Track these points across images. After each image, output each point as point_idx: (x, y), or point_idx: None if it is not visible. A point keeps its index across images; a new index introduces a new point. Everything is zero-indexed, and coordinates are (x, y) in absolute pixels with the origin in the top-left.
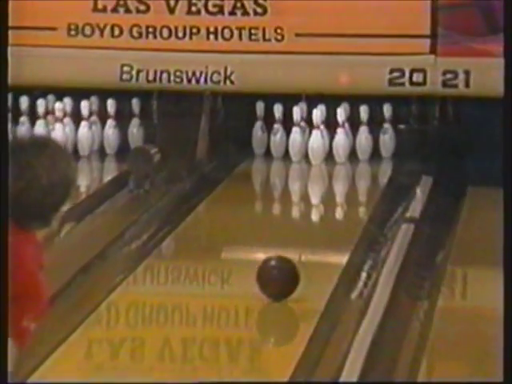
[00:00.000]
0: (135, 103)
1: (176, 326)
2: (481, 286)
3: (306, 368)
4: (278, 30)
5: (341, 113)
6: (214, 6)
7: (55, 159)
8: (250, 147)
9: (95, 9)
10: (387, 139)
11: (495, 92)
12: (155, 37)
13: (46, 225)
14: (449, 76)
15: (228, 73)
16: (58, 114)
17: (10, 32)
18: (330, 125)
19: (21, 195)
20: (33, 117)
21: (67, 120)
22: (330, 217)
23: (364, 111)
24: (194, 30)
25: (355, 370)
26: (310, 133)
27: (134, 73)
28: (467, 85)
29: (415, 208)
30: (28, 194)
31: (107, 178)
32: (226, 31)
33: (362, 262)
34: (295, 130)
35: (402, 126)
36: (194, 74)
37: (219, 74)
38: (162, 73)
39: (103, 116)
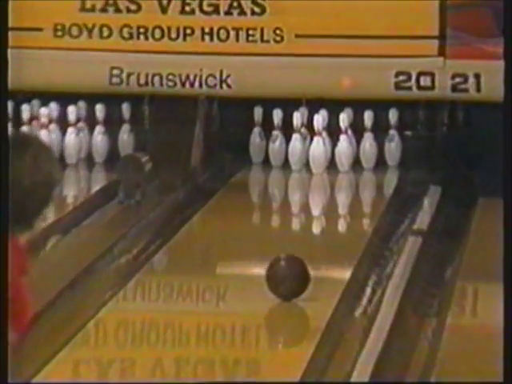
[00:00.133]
0: (125, 108)
1: (168, 345)
2: (492, 303)
3: None
4: (277, 31)
5: (344, 119)
6: (209, 5)
7: (38, 158)
8: (248, 155)
9: (83, 8)
10: (393, 147)
11: None
12: (147, 38)
13: (28, 228)
14: (458, 80)
15: (224, 76)
16: (44, 119)
17: None
18: (333, 131)
19: None
20: (17, 123)
21: (53, 126)
22: (332, 229)
23: (368, 117)
24: (188, 31)
25: None
26: (311, 140)
27: (124, 76)
28: (478, 89)
29: (423, 220)
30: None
31: (95, 187)
32: (222, 32)
33: (366, 277)
34: (295, 137)
35: (408, 133)
36: (187, 77)
37: (215, 77)
38: (153, 76)
39: (91, 122)
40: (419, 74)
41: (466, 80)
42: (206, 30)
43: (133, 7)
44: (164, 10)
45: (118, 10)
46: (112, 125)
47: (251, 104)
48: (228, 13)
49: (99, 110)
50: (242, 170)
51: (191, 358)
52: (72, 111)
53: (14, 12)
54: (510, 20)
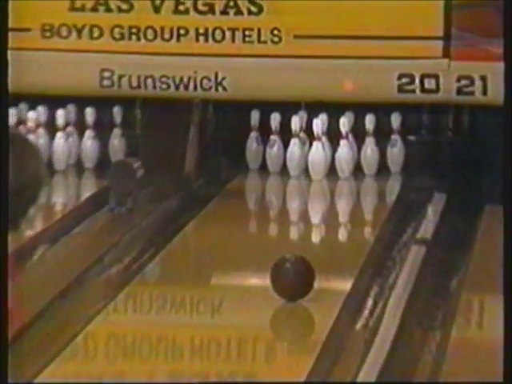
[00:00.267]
0: (116, 112)
1: (161, 359)
2: (499, 315)
3: None
4: (275, 31)
5: (344, 123)
6: (204, 4)
7: (24, 157)
8: (244, 161)
9: (72, 8)
10: (395, 152)
11: None
12: (139, 38)
13: (13, 229)
14: (464, 82)
15: (219, 78)
16: (31, 124)
17: None
18: (333, 136)
19: None
20: None
21: (41, 131)
22: (333, 238)
23: (370, 121)
24: (182, 31)
25: None
26: (310, 145)
27: (115, 78)
28: (484, 92)
29: (426, 228)
30: None
31: (85, 195)
32: (218, 32)
33: (368, 288)
34: (294, 142)
35: (412, 138)
36: (181, 79)
37: (210, 79)
38: (146, 78)
39: (81, 126)
40: (423, 77)
41: (471, 82)
42: (201, 30)
43: (124, 7)
44: (157, 10)
45: (108, 10)
46: (102, 129)
47: (248, 107)
48: (224, 12)
49: (89, 113)
50: (238, 177)
51: (185, 372)
52: (61, 115)
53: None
54: (511, 20)
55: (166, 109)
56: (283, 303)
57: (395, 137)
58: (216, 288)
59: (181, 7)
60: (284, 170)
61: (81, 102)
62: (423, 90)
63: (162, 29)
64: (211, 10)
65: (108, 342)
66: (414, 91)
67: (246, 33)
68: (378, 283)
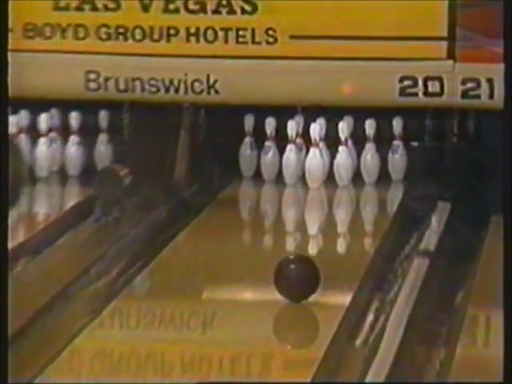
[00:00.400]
0: (103, 116)
1: (149, 377)
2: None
3: None
4: (270, 32)
5: (343, 128)
6: (196, 3)
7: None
8: (238, 168)
9: (56, 7)
10: (397, 159)
11: None
12: (126, 39)
13: None
14: (470, 85)
15: (211, 81)
16: (12, 129)
17: None
18: (331, 142)
19: None
20: None
21: (23, 136)
22: (331, 250)
23: (370, 126)
24: (172, 31)
25: None
26: (307, 151)
27: (101, 81)
28: (491, 95)
29: (430, 240)
30: None
31: (69, 204)
32: (210, 32)
33: (368, 302)
34: (290, 148)
35: (414, 144)
36: (171, 82)
37: (201, 82)
38: (134, 81)
39: (65, 132)
40: (426, 79)
41: (477, 85)
42: (192, 30)
43: (111, 5)
44: (145, 9)
45: (94, 9)
46: (88, 135)
47: (241, 112)
48: (216, 11)
49: (74, 118)
50: (231, 185)
51: None
52: (44, 120)
53: None
54: (510, 20)
55: (155, 113)
56: (279, 315)
57: (397, 143)
58: (208, 302)
59: (171, 6)
60: (279, 178)
61: (65, 105)
62: (426, 93)
63: (151, 29)
64: (203, 8)
65: (94, 359)
66: (416, 94)
67: (240, 33)
68: (378, 297)
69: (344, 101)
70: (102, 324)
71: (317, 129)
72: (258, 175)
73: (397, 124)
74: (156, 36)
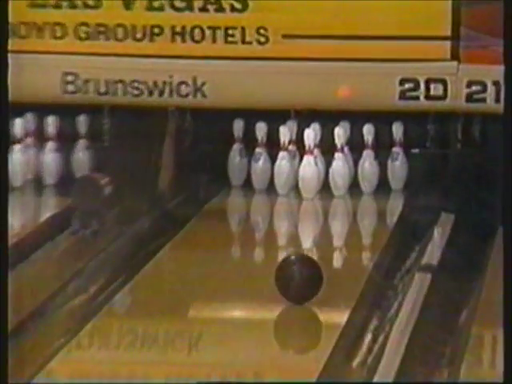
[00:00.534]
0: (81, 121)
1: None
2: None
3: None
4: (262, 31)
5: (339, 134)
6: (182, 0)
7: None
8: (226, 177)
9: (32, 4)
10: (397, 167)
11: None
12: (107, 38)
13: None
14: (475, 88)
15: (198, 84)
16: None
17: None
18: (326, 149)
19: None
20: None
21: None
22: (326, 264)
23: (368, 132)
24: (156, 30)
25: None
26: (301, 159)
27: (79, 83)
28: (497, 99)
29: (432, 253)
30: None
31: (45, 215)
32: (197, 32)
33: (366, 320)
34: (282, 156)
35: (415, 151)
36: (155, 84)
37: (187, 84)
38: (115, 83)
39: (41, 137)
40: (428, 81)
41: (483, 88)
42: (178, 29)
43: (91, 3)
44: (128, 6)
45: (73, 6)
46: (65, 141)
47: (230, 116)
48: (203, 9)
49: (50, 123)
50: (219, 195)
51: None
52: (18, 125)
53: None
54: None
55: (138, 118)
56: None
57: (397, 149)
58: (194, 321)
59: (155, 3)
60: (271, 187)
61: (41, 109)
62: (428, 96)
63: (134, 27)
64: (189, 6)
65: (71, 381)
66: (418, 98)
67: (229, 32)
68: (377, 315)
69: (340, 104)
70: (80, 344)
71: (311, 135)
72: (247, 184)
73: (397, 129)
74: (139, 35)
